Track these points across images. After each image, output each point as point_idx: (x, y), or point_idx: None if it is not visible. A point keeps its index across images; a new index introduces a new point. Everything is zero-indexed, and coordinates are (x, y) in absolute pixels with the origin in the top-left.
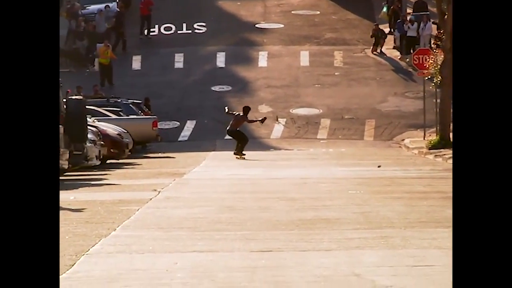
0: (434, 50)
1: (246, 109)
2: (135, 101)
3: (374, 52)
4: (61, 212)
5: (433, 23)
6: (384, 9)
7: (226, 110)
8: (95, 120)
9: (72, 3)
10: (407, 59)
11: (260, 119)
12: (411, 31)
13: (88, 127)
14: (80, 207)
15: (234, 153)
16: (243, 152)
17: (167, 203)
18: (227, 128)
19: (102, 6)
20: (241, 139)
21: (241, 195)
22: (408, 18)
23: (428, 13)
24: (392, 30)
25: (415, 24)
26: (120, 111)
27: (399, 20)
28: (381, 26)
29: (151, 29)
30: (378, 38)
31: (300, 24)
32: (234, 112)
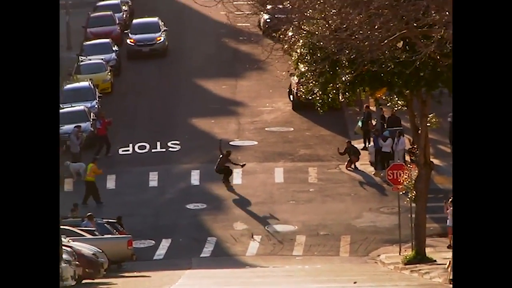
0: (408, 165)
1: (228, 153)
2: (109, 220)
3: (349, 168)
4: None
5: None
6: (359, 123)
7: (220, 144)
8: (69, 240)
9: None
10: (382, 174)
11: (241, 164)
12: (385, 146)
13: (63, 247)
14: None
15: (223, 181)
16: (229, 180)
17: None
18: (215, 168)
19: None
20: (226, 172)
21: None
22: (383, 133)
23: (401, 128)
24: (366, 145)
25: (389, 139)
26: (94, 230)
27: (374, 135)
28: (356, 141)
29: (126, 148)
30: (350, 155)
31: (274, 141)
32: (222, 152)
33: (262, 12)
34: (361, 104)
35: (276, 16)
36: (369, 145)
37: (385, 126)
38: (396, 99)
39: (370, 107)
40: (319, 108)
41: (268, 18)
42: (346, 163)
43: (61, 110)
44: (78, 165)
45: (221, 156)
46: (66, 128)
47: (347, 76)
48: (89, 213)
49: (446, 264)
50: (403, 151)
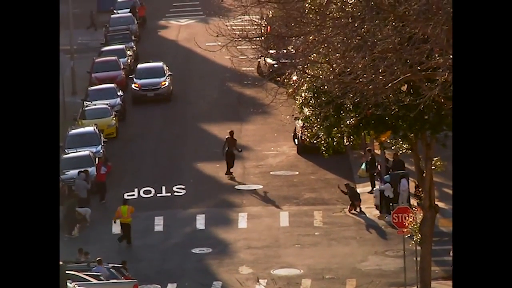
0: (413, 208)
1: (231, 133)
2: (115, 265)
3: (351, 212)
4: None
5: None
6: (363, 166)
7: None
8: (75, 285)
9: None
10: (386, 217)
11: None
12: (387, 191)
13: None
14: None
15: (226, 174)
16: (231, 171)
17: None
18: (226, 150)
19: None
20: (230, 161)
21: None
22: (384, 177)
23: (404, 171)
24: (372, 188)
25: (387, 184)
26: (100, 275)
27: (379, 178)
28: (361, 185)
29: (131, 193)
30: (352, 199)
31: (279, 184)
32: (225, 145)
33: (262, 57)
34: (366, 147)
35: (280, 60)
36: (374, 189)
37: (391, 170)
38: (401, 142)
39: (375, 151)
40: (324, 152)
41: (275, 64)
42: (348, 206)
43: (66, 155)
44: (84, 210)
45: (226, 139)
46: (71, 173)
47: (351, 119)
48: (99, 258)
49: None
50: (407, 193)
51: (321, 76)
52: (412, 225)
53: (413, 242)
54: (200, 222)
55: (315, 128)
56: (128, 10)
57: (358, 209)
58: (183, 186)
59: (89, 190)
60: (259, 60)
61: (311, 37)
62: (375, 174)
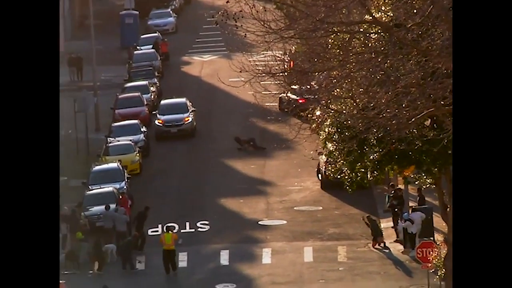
0: (437, 243)
1: (237, 138)
2: None
3: (376, 246)
4: None
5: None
6: (387, 199)
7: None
8: None
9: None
10: (410, 252)
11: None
12: (409, 227)
13: None
14: None
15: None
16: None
17: None
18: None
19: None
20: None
21: None
22: (403, 214)
23: (423, 206)
24: (395, 223)
25: (407, 222)
26: None
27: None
28: (385, 220)
29: (155, 229)
30: (373, 233)
31: (303, 220)
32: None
33: (284, 93)
34: (390, 182)
35: (303, 95)
36: (398, 224)
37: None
38: (425, 177)
39: (399, 186)
40: (347, 187)
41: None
42: (371, 242)
43: (90, 192)
44: (111, 246)
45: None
46: (95, 209)
47: (375, 154)
48: None
49: None
50: (417, 225)
51: (344, 111)
52: (437, 260)
53: (437, 277)
54: (224, 257)
55: (339, 163)
56: (151, 46)
57: (382, 244)
58: (207, 222)
59: (128, 223)
60: (280, 96)
61: (334, 72)
62: (396, 210)
